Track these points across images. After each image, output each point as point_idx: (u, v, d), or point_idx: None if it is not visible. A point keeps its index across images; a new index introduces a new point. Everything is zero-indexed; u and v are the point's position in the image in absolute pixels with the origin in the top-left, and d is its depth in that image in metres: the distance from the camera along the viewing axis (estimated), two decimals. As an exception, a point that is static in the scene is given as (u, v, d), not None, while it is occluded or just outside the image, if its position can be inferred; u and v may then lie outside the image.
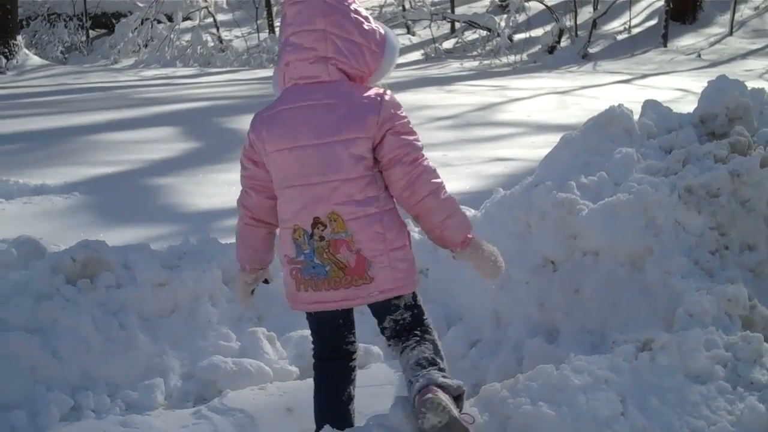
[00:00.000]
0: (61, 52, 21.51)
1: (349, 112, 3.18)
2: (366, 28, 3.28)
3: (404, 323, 3.32)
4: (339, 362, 3.45)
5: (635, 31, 22.61)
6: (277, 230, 3.39)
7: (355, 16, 3.26)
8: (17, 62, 16.91)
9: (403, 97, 14.23)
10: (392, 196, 3.26)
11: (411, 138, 3.23)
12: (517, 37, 20.97)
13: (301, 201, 3.21)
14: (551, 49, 20.57)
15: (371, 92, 3.24)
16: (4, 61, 16.58)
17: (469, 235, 3.27)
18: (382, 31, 3.33)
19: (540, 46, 20.86)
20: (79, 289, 4.35)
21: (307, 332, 3.92)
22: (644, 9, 24.51)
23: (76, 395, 4.00)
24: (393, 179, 3.23)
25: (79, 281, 4.40)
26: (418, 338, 3.30)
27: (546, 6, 21.58)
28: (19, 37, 17.48)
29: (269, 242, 3.46)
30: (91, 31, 23.23)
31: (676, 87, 13.87)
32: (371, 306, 3.32)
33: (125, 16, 22.25)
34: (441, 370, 3.17)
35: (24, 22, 21.25)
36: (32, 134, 9.91)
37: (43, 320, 4.20)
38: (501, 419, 3.15)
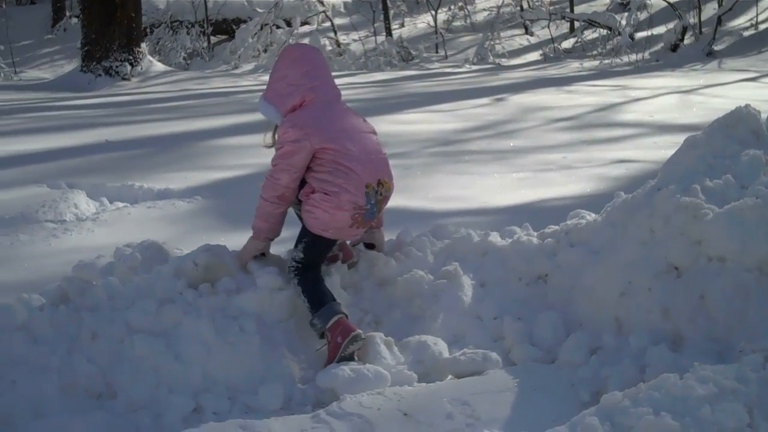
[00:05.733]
0: (184, 58, 21.99)
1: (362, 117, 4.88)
2: None
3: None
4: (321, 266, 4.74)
5: (762, 27, 21.95)
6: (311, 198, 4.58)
7: None
8: (141, 69, 17.26)
9: (521, 98, 14.12)
10: None
11: None
12: (639, 35, 20.59)
13: (370, 170, 4.58)
14: (674, 47, 20.12)
15: None
16: (129, 68, 16.96)
17: None
18: None
19: (662, 45, 20.41)
20: (200, 293, 4.44)
21: (426, 337, 4.49)
22: (772, 4, 23.80)
23: (197, 397, 4.07)
24: None
25: (200, 285, 4.48)
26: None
27: (669, 3, 21.15)
28: (144, 45, 17.85)
29: (283, 218, 4.75)
30: (212, 37, 23.73)
31: (806, 85, 13.44)
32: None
33: (245, 21, 22.61)
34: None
35: (148, 30, 21.78)
36: (156, 139, 10.09)
37: (166, 323, 4.30)
38: (623, 429, 3.11)
